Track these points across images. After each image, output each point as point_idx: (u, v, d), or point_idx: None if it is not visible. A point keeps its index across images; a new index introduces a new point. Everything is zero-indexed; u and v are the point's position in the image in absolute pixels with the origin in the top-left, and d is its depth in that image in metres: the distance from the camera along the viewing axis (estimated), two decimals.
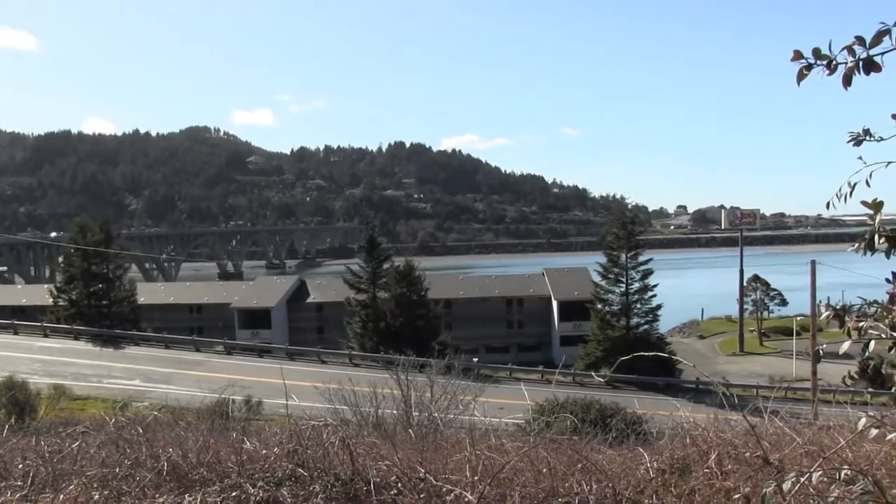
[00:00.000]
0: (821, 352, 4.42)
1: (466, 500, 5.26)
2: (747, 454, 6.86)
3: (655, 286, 58.98)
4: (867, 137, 3.15)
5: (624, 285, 58.59)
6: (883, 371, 56.59)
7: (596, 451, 7.49)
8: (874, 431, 2.92)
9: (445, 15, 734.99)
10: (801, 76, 2.93)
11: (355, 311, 61.53)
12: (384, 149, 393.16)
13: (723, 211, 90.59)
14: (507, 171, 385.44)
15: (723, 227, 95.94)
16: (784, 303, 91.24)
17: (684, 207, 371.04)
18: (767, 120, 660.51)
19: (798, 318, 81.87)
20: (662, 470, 6.40)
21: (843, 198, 3.30)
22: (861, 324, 3.45)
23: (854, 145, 3.16)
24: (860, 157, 3.16)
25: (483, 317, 78.10)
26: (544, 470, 6.37)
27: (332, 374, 23.66)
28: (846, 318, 3.56)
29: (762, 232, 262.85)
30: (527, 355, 71.82)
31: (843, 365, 62.40)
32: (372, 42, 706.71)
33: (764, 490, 2.88)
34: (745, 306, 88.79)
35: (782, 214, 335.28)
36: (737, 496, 5.11)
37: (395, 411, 17.80)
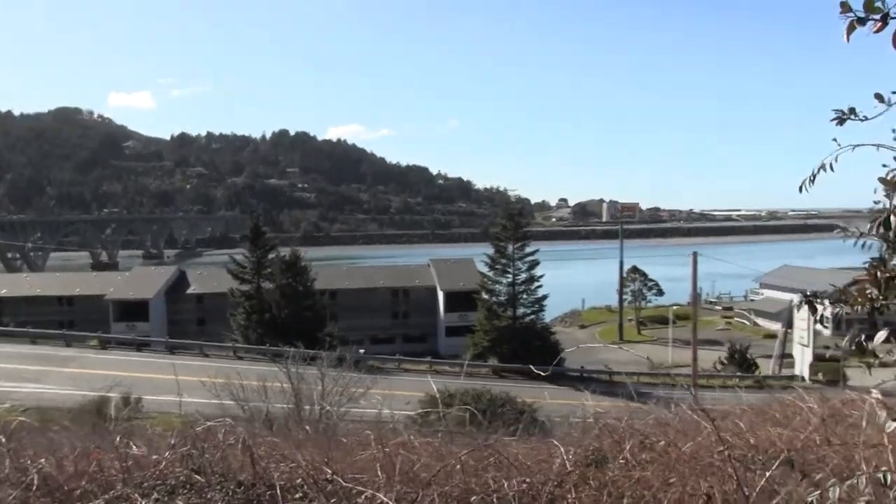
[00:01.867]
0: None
1: (380, 501, 4.93)
2: (661, 443, 6.77)
3: (541, 277, 59.80)
4: (851, 116, 3.03)
5: (511, 276, 59.09)
6: (748, 356, 59.37)
7: (505, 445, 7.25)
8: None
9: (333, 3, 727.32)
10: (850, 29, 2.71)
11: (239, 302, 59.97)
12: (268, 137, 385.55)
13: (604, 204, 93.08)
14: (393, 162, 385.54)
15: (604, 220, 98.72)
16: (661, 293, 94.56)
17: (565, 200, 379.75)
18: (645, 118, 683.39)
19: (674, 308, 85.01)
20: (579, 462, 6.20)
21: (813, 179, 3.20)
22: (837, 310, 3.25)
23: (837, 124, 3.04)
24: (834, 139, 3.09)
25: (369, 307, 77.60)
26: (458, 467, 6.07)
27: (217, 368, 22.67)
28: (817, 305, 3.38)
29: (640, 225, 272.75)
30: (412, 346, 71.96)
31: (714, 351, 65.23)
32: (259, 28, 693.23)
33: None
34: (625, 296, 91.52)
35: (657, 208, 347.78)
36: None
37: (286, 406, 17.22)
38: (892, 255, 3.37)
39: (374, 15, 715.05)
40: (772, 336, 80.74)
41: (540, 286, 59.39)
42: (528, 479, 5.79)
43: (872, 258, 3.55)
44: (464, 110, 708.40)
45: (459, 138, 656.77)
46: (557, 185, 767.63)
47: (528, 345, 52.33)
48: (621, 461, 6.22)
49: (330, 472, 5.39)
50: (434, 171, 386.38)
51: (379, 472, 5.70)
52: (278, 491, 5.11)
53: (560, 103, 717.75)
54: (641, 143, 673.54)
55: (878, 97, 2.91)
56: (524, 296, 58.91)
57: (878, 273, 3.20)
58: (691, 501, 5.37)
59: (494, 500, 5.49)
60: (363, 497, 5.09)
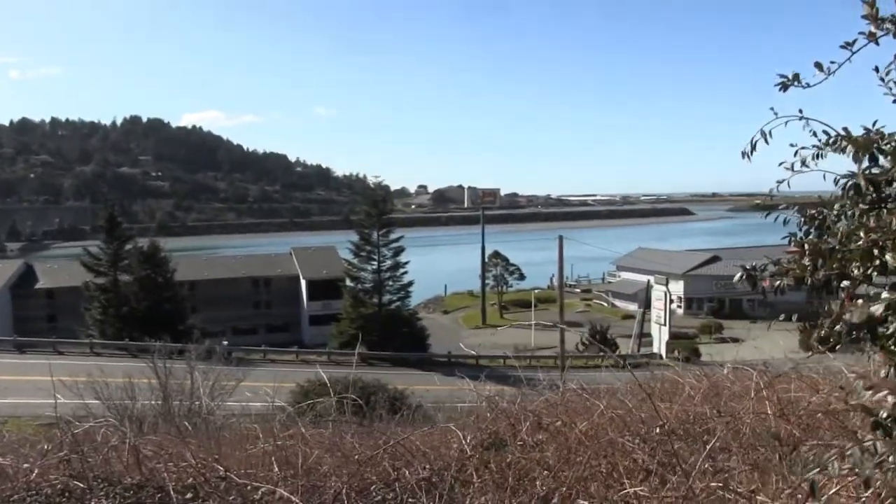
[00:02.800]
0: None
1: (279, 495, 4.73)
2: (559, 423, 6.81)
3: (407, 263, 59.90)
4: (794, 83, 3.11)
5: (376, 263, 58.88)
6: (608, 336, 61.51)
7: (397, 433, 7.12)
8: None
9: None
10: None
11: (94, 295, 57.18)
12: (119, 123, 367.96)
13: (465, 190, 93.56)
14: (250, 150, 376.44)
15: (465, 206, 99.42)
16: (522, 277, 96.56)
17: (425, 187, 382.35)
18: (502, 105, 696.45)
19: (536, 291, 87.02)
20: (477, 446, 6.16)
21: (754, 146, 3.36)
22: (777, 282, 3.29)
23: (780, 90, 3.13)
24: (772, 108, 3.21)
25: (230, 298, 75.58)
26: (356, 457, 5.91)
27: (74, 366, 21.39)
28: (756, 277, 3.42)
29: (500, 210, 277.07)
30: (275, 336, 70.73)
31: (575, 333, 67.15)
32: (107, 9, 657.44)
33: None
34: (487, 281, 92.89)
35: (515, 194, 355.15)
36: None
37: (154, 402, 16.47)
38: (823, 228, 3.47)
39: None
40: (629, 317, 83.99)
41: (405, 272, 59.46)
42: (427, 466, 5.69)
43: (791, 233, 3.65)
44: (327, 97, 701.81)
45: (325, 126, 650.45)
46: (416, 171, 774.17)
47: (395, 331, 52.45)
48: (519, 443, 6.22)
49: (222, 469, 5.15)
50: (293, 159, 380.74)
51: (275, 467, 5.47)
52: (171, 492, 4.83)
53: (418, 91, 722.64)
54: (497, 129, 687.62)
55: (818, 66, 2.98)
56: (390, 282, 58.79)
57: (812, 246, 3.24)
58: (594, 478, 5.41)
59: (396, 488, 5.37)
60: (260, 493, 4.86)
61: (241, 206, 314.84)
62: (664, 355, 55.66)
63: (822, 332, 3.46)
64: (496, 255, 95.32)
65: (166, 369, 18.28)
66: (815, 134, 3.47)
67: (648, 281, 70.72)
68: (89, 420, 7.25)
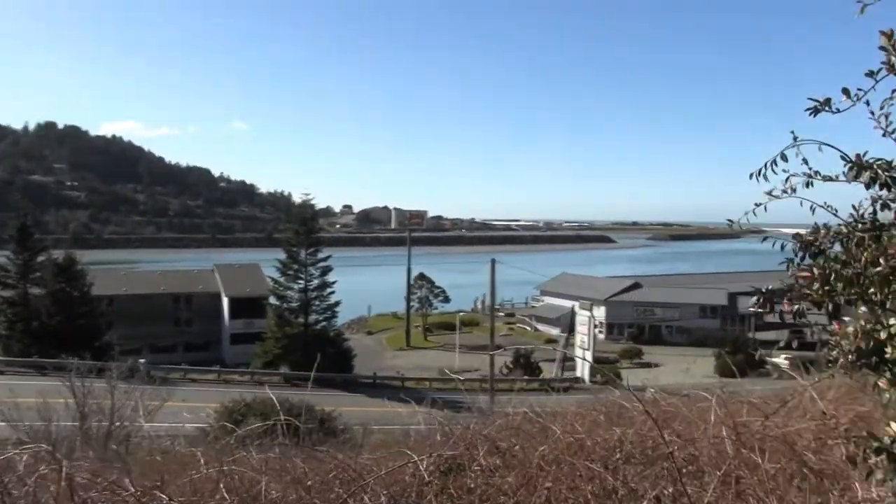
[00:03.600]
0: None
1: None
2: (517, 448, 6.74)
3: (334, 283, 59.37)
4: (825, 108, 3.16)
5: (303, 282, 58.18)
6: (532, 360, 61.98)
7: (347, 457, 6.93)
8: None
9: None
10: None
11: (1, 309, 54.99)
12: (31, 128, 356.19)
13: (392, 211, 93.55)
14: (172, 162, 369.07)
15: (392, 227, 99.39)
16: (447, 300, 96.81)
17: (350, 207, 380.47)
18: (429, 127, 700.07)
19: (460, 314, 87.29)
20: (434, 471, 6.03)
21: (770, 167, 3.40)
22: (796, 306, 3.28)
23: (811, 115, 3.19)
24: (792, 132, 3.28)
25: (149, 315, 73.44)
26: (308, 483, 5.72)
27: None
28: (776, 303, 3.40)
29: (425, 233, 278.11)
30: (195, 355, 68.90)
31: (499, 356, 67.55)
32: (22, 14, 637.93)
33: None
34: (412, 303, 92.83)
35: (440, 217, 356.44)
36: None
37: (72, 423, 15.79)
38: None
39: (152, 8, 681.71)
40: (552, 341, 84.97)
41: (332, 292, 58.93)
42: (385, 491, 5.52)
43: (788, 259, 3.68)
44: (249, 113, 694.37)
45: (244, 141, 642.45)
46: (341, 191, 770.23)
47: (320, 352, 51.66)
48: (476, 468, 6.11)
49: (166, 497, 4.88)
50: (216, 173, 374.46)
51: (225, 494, 5.23)
52: None
53: (344, 110, 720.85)
54: (423, 151, 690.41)
55: (846, 92, 3.02)
56: (317, 302, 58.17)
57: (825, 271, 3.26)
58: (561, 499, 5.33)
59: None
60: None
61: (161, 219, 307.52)
62: (587, 380, 56.31)
63: (832, 355, 3.48)
64: (422, 276, 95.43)
65: (84, 388, 17.57)
66: (805, 161, 3.52)
67: (573, 306, 71.67)
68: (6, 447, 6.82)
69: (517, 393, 42.02)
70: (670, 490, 5.23)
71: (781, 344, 56.83)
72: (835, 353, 3.49)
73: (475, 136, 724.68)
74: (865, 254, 3.04)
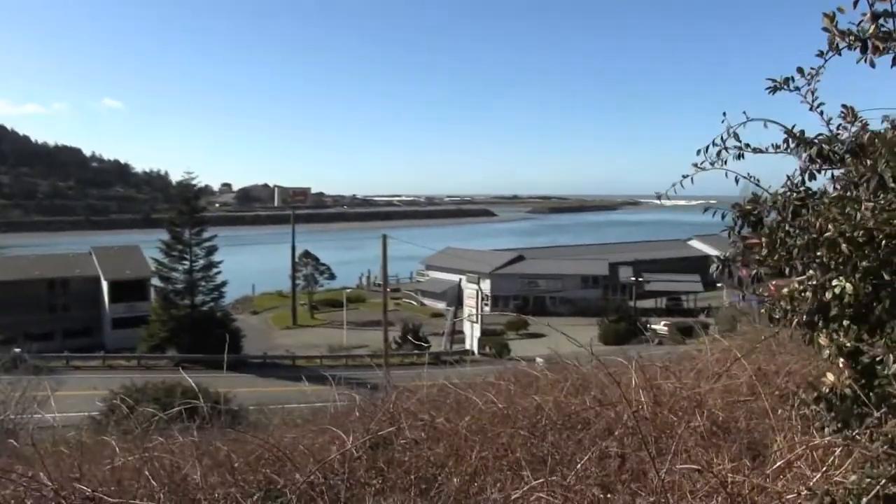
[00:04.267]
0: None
1: None
2: (440, 420, 6.84)
3: (220, 263, 58.03)
4: (784, 87, 3.34)
5: (188, 262, 56.61)
6: (420, 334, 62.36)
7: (274, 437, 6.89)
8: None
9: None
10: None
11: None
12: None
13: (275, 189, 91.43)
14: (40, 142, 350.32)
15: (276, 205, 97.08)
16: (332, 276, 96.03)
17: (229, 185, 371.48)
18: (308, 102, 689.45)
19: (347, 291, 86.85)
20: (362, 447, 6.07)
21: (719, 150, 3.60)
22: (755, 271, 3.53)
23: (770, 93, 3.35)
24: (744, 112, 3.47)
25: (21, 302, 69.74)
26: (235, 465, 5.66)
27: None
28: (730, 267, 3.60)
29: (307, 210, 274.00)
30: (75, 341, 65.95)
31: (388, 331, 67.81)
32: None
33: None
34: (297, 281, 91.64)
35: (321, 194, 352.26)
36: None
37: None
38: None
39: None
40: (438, 315, 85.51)
41: (219, 272, 57.62)
42: (314, 471, 5.52)
43: (728, 226, 3.87)
44: (122, 90, 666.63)
45: (117, 119, 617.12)
46: (219, 169, 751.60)
47: (209, 333, 50.60)
48: (403, 441, 6.18)
49: (88, 490, 4.74)
50: (88, 153, 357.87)
51: (152, 480, 5.13)
52: None
53: (220, 88, 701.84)
54: (303, 127, 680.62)
55: (800, 71, 3.20)
56: (203, 283, 56.77)
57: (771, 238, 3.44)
58: (490, 472, 5.45)
59: (288, 494, 5.19)
60: None
61: (29, 202, 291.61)
62: (476, 351, 57.12)
63: (778, 313, 3.68)
64: (306, 254, 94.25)
65: None
66: (737, 136, 3.72)
67: (460, 279, 72.38)
68: None
69: (408, 367, 42.35)
70: (597, 453, 5.43)
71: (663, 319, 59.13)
72: (775, 311, 3.69)
73: (355, 112, 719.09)
74: (819, 220, 3.22)
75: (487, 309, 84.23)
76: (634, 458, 5.30)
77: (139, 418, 8.44)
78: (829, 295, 3.24)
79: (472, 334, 61.00)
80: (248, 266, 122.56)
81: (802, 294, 3.50)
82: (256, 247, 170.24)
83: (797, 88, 3.33)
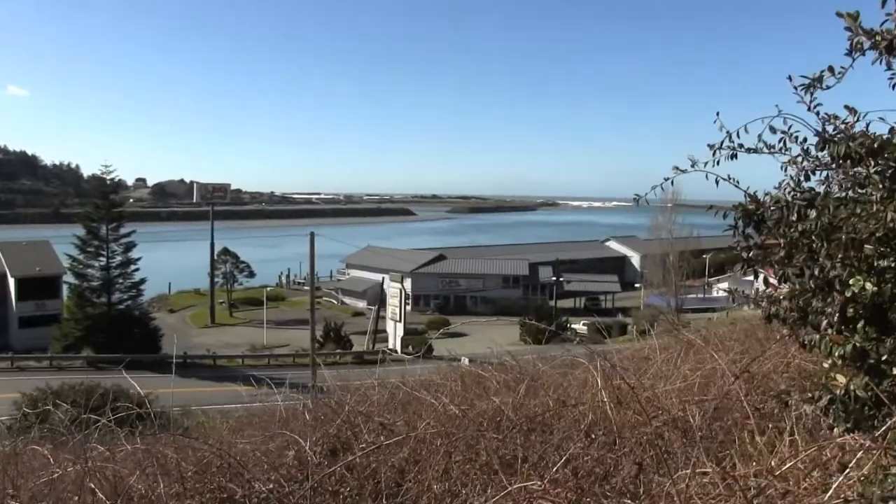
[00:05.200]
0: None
1: None
2: (399, 423, 6.70)
3: (139, 260, 56.33)
4: (818, 85, 3.35)
5: (105, 259, 54.65)
6: (342, 333, 61.95)
7: (223, 444, 6.62)
8: None
9: None
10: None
11: None
12: None
13: (194, 184, 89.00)
14: None
15: (194, 200, 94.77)
16: (252, 274, 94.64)
17: (144, 180, 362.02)
18: (223, 96, 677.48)
19: (268, 289, 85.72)
20: (321, 452, 5.91)
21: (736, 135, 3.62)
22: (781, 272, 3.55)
23: (804, 91, 3.37)
24: (777, 106, 3.49)
25: None
26: (188, 474, 5.41)
27: None
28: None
29: (225, 207, 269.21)
30: None
31: (308, 330, 67.06)
32: None
33: None
34: (216, 279, 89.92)
35: (239, 190, 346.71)
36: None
37: None
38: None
39: None
40: (359, 314, 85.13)
41: (137, 269, 55.90)
42: (273, 476, 5.34)
43: (731, 225, 3.87)
44: (29, 79, 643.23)
45: (24, 109, 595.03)
46: (132, 164, 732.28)
47: (126, 332, 49.05)
48: (363, 446, 6.02)
49: None
50: None
51: (98, 492, 4.85)
52: None
53: (134, 78, 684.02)
54: (219, 125, 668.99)
55: (830, 70, 3.19)
56: (120, 280, 54.91)
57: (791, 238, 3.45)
58: (463, 471, 5.34)
59: (255, 498, 5.01)
60: None
61: None
62: (399, 350, 56.95)
63: (773, 311, 3.68)
64: (225, 251, 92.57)
65: None
66: (730, 136, 3.73)
67: (383, 278, 72.06)
68: None
69: (331, 367, 41.90)
70: (565, 454, 5.36)
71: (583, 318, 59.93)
72: (773, 309, 3.69)
73: (273, 109, 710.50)
74: (846, 219, 3.22)
75: (408, 308, 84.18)
76: (625, 461, 5.25)
77: (60, 423, 7.98)
78: (847, 294, 3.23)
79: (395, 333, 60.77)
80: (164, 264, 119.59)
81: (813, 295, 3.49)
82: (172, 244, 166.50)
83: (828, 87, 3.31)
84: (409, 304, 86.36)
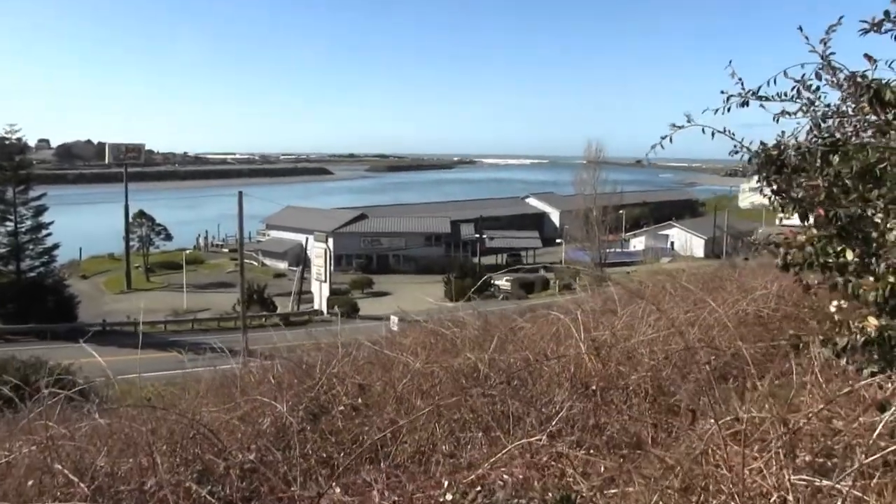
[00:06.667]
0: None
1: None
2: (379, 386, 6.62)
3: (51, 224, 54.20)
4: (875, 29, 3.42)
5: (13, 224, 52.36)
6: (266, 296, 61.07)
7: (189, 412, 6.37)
8: None
9: None
10: None
11: None
12: None
13: (107, 145, 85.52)
14: None
15: (106, 162, 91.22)
16: (169, 237, 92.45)
17: (47, 142, 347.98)
18: (130, 54, 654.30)
19: (186, 252, 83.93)
20: (304, 418, 5.79)
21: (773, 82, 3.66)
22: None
23: (862, 34, 3.40)
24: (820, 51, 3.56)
25: None
26: (163, 447, 5.21)
27: None
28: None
29: (137, 168, 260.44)
30: None
31: (229, 293, 66.08)
32: None
33: None
34: (131, 243, 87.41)
35: (151, 151, 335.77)
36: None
37: None
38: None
39: None
40: (281, 275, 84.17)
41: (49, 234, 53.80)
42: (253, 445, 5.20)
43: (754, 171, 3.91)
44: None
45: None
46: (33, 124, 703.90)
47: (38, 301, 47.24)
48: (342, 409, 5.92)
49: None
50: None
51: (70, 474, 4.62)
52: None
53: (30, 29, 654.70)
54: (126, 80, 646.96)
55: (886, 14, 3.24)
56: (30, 246, 52.75)
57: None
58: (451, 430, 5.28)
59: (231, 475, 4.84)
60: None
61: None
62: (325, 311, 56.60)
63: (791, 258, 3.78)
64: (141, 214, 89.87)
65: None
66: (741, 82, 3.76)
67: (307, 238, 71.27)
68: None
69: (257, 329, 41.36)
70: (552, 408, 5.34)
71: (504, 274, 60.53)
72: (788, 255, 3.77)
73: (184, 65, 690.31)
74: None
75: (332, 268, 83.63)
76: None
77: None
78: (890, 237, 3.23)
79: (320, 294, 60.30)
80: (75, 228, 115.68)
81: (842, 239, 3.52)
82: (82, 207, 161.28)
83: (889, 30, 3.36)
84: (331, 264, 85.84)
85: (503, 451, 4.32)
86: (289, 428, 5.29)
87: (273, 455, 5.00)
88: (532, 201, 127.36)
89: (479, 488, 4.04)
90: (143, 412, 6.06)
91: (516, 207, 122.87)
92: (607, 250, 79.69)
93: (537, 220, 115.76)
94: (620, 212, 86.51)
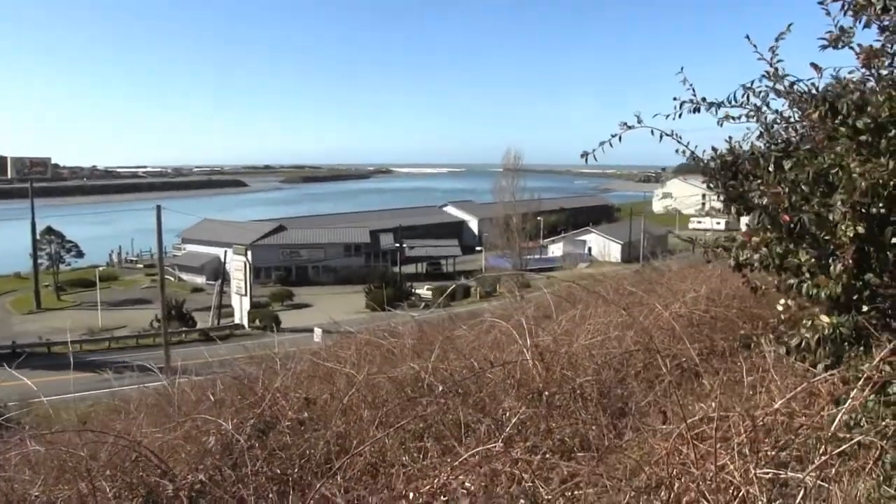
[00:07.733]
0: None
1: None
2: (325, 396, 6.57)
3: None
4: (838, 44, 3.57)
5: None
6: (184, 311, 59.89)
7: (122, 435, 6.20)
8: None
9: None
10: None
11: None
12: None
13: (9, 159, 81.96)
14: None
15: (9, 177, 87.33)
16: (80, 254, 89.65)
17: None
18: (34, 63, 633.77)
19: (99, 269, 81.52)
20: (251, 435, 5.71)
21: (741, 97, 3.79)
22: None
23: (830, 46, 3.57)
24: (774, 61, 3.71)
25: None
26: (104, 472, 5.08)
27: None
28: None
29: (43, 183, 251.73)
30: None
31: (146, 310, 64.51)
32: None
33: None
34: (39, 261, 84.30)
35: (56, 165, 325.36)
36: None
37: None
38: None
39: None
40: (198, 290, 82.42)
41: None
42: (200, 467, 5.11)
43: (710, 176, 4.00)
44: None
45: None
46: None
47: None
48: (288, 423, 5.85)
49: None
50: None
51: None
52: None
53: None
54: (27, 91, 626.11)
55: (841, 30, 3.30)
56: None
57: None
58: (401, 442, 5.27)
59: (182, 497, 4.75)
60: None
61: None
62: (247, 325, 55.67)
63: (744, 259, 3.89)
64: (49, 230, 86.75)
65: None
66: (693, 90, 3.85)
67: (225, 252, 70.05)
68: None
69: (178, 346, 40.46)
70: (503, 414, 5.37)
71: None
72: (744, 258, 3.88)
73: (93, 79, 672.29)
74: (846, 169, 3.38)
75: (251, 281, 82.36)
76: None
77: None
78: (844, 239, 3.34)
79: (241, 308, 59.27)
80: None
81: (793, 241, 3.63)
82: None
83: (845, 45, 3.53)
84: (251, 277, 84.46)
85: (459, 460, 4.30)
86: (235, 445, 5.19)
87: (222, 474, 4.89)
88: (450, 210, 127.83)
89: (443, 497, 4.03)
90: (78, 436, 5.85)
91: (435, 216, 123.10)
92: (527, 257, 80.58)
93: (456, 229, 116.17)
94: (539, 218, 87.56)
